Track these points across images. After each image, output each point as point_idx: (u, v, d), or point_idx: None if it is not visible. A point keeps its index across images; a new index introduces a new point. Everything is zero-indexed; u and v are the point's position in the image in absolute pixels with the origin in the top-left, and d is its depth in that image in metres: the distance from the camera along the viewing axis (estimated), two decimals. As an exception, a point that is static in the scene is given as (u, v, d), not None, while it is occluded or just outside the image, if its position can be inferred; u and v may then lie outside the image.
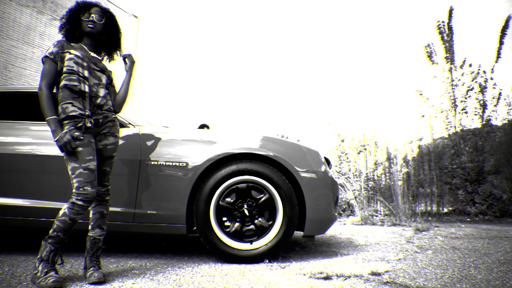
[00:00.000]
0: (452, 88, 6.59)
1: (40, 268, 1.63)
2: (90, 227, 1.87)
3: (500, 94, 6.37)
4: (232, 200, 2.24)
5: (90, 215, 1.88)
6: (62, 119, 1.74)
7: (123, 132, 2.31)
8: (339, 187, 4.39)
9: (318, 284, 1.73)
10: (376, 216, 5.39)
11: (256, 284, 1.71)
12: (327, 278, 1.83)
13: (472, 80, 6.49)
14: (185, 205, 2.21)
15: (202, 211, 2.20)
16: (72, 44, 1.90)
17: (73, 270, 1.95)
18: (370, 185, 6.10)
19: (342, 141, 6.92)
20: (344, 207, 6.00)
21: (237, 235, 2.22)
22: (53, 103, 1.76)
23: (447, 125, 6.62)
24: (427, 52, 6.92)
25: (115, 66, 2.74)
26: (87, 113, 1.79)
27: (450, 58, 6.67)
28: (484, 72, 6.48)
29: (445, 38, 6.74)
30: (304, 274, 1.92)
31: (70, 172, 1.73)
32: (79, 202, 1.69)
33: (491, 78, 6.47)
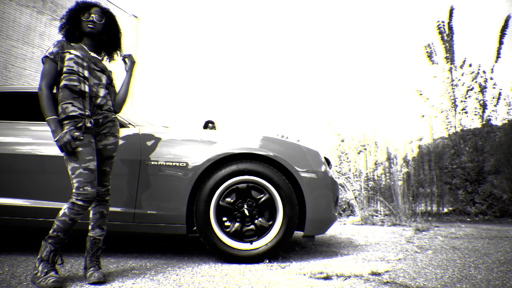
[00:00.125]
0: (452, 88, 6.59)
1: (40, 268, 1.63)
2: (90, 227, 1.87)
3: (500, 94, 6.37)
4: (232, 200, 2.24)
5: (90, 215, 1.88)
6: (62, 119, 1.74)
7: (123, 132, 2.31)
8: (339, 187, 4.38)
9: (318, 284, 1.73)
10: (376, 216, 5.39)
11: (256, 284, 1.71)
12: (327, 278, 1.83)
13: (472, 80, 6.49)
14: (185, 205, 2.21)
15: (202, 211, 2.20)
16: (72, 44, 1.89)
17: (73, 270, 1.95)
18: (370, 185, 6.10)
19: (342, 141, 6.92)
20: (344, 207, 6.00)
21: (237, 235, 2.22)
22: (53, 103, 1.76)
23: (447, 125, 6.62)
24: (427, 52, 6.93)
25: (115, 66, 2.74)
26: (87, 113, 1.79)
27: (450, 58, 6.67)
28: (484, 72, 6.48)
29: (445, 38, 6.74)
30: (304, 274, 1.92)
31: (70, 172, 1.73)
32: (79, 202, 1.69)
33: (491, 78, 6.47)
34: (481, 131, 6.30)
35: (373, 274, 1.91)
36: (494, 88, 6.43)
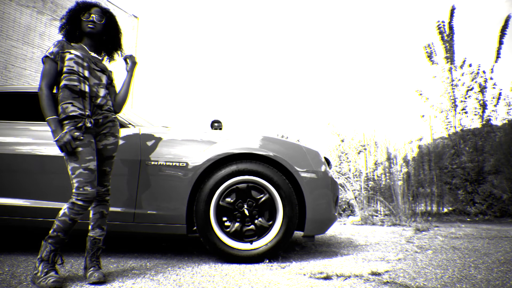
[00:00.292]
0: (452, 88, 6.59)
1: (40, 268, 1.63)
2: (90, 227, 1.87)
3: (500, 94, 6.37)
4: (232, 200, 2.24)
5: (90, 215, 1.88)
6: (62, 119, 1.74)
7: (123, 132, 2.31)
8: (339, 187, 4.38)
9: (318, 284, 1.73)
10: (376, 216, 5.39)
11: (256, 284, 1.71)
12: (327, 278, 1.83)
13: (472, 80, 6.49)
14: (185, 205, 2.21)
15: (202, 211, 2.20)
16: (72, 44, 1.89)
17: (73, 270, 1.95)
18: (370, 185, 6.10)
19: (342, 141, 6.92)
20: (344, 207, 6.00)
21: (237, 235, 2.22)
22: (53, 103, 1.76)
23: (447, 125, 6.62)
24: (427, 52, 6.93)
25: (115, 66, 2.74)
26: (87, 113, 1.79)
27: (450, 58, 6.67)
28: (484, 72, 6.48)
29: (445, 38, 6.74)
30: (304, 274, 1.92)
31: (70, 172, 1.72)
32: (79, 202, 1.69)
33: (491, 78, 6.47)
34: (481, 131, 6.30)
35: (373, 274, 1.91)
36: (494, 88, 6.43)
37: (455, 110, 6.56)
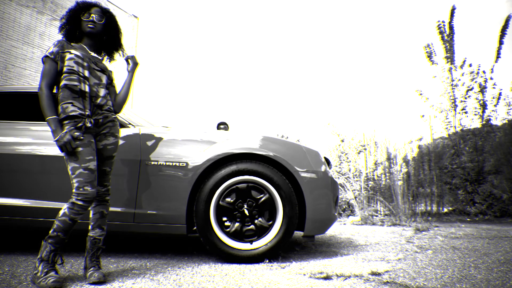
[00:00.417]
0: (452, 88, 6.59)
1: (40, 268, 1.63)
2: (90, 227, 1.87)
3: (500, 94, 6.37)
4: (232, 200, 2.24)
5: (90, 215, 1.88)
6: (62, 119, 1.74)
7: (123, 132, 2.31)
8: (339, 187, 4.39)
9: (318, 284, 1.73)
10: (376, 216, 5.39)
11: (256, 284, 1.71)
12: (327, 278, 1.83)
13: (472, 80, 6.49)
14: (185, 205, 2.21)
15: (202, 211, 2.20)
16: (72, 44, 1.90)
17: (73, 270, 1.95)
18: (370, 185, 6.10)
19: (342, 141, 6.92)
20: (344, 207, 6.00)
21: (237, 235, 2.22)
22: (53, 103, 1.76)
23: (447, 125, 6.63)
24: (427, 52, 6.93)
25: (115, 66, 2.74)
26: (87, 113, 1.79)
27: (450, 58, 6.67)
28: (484, 72, 6.48)
29: (446, 37, 6.74)
30: (304, 274, 1.92)
31: (70, 172, 1.72)
32: (79, 202, 1.69)
33: (491, 78, 6.47)
34: (481, 131, 6.30)
35: (373, 274, 1.91)
36: (494, 88, 6.43)
37: (455, 110, 6.57)
